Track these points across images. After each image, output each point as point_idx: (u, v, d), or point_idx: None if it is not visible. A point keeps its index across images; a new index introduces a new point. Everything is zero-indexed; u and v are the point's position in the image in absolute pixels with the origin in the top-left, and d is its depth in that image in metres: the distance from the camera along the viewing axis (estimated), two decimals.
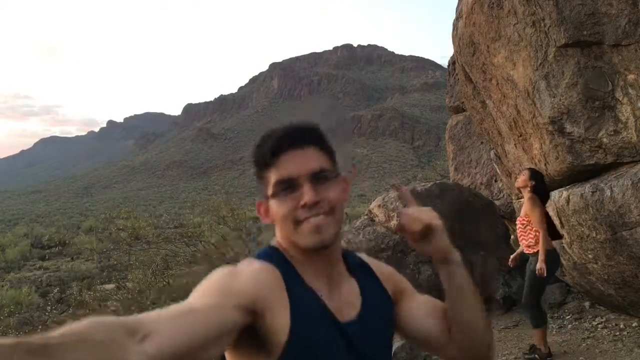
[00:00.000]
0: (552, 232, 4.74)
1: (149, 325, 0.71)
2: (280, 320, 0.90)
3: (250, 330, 0.88)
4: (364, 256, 1.16)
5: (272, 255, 1.00)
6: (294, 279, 0.97)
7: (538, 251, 4.66)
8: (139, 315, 0.74)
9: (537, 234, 4.65)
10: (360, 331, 1.00)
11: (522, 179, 4.81)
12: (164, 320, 0.75)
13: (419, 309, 1.16)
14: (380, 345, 1.05)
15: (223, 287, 0.87)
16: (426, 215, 1.01)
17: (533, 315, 4.83)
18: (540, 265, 4.54)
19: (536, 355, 4.82)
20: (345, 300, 1.02)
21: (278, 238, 1.03)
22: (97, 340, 0.62)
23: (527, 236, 4.78)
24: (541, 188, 4.79)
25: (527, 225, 4.75)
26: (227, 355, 0.97)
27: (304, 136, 0.98)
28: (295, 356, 0.90)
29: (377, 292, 1.09)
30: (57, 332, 0.61)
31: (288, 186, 0.95)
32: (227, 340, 0.84)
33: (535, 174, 4.83)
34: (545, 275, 4.57)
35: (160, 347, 0.70)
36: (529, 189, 4.75)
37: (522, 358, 4.93)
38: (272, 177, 0.97)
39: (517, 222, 4.90)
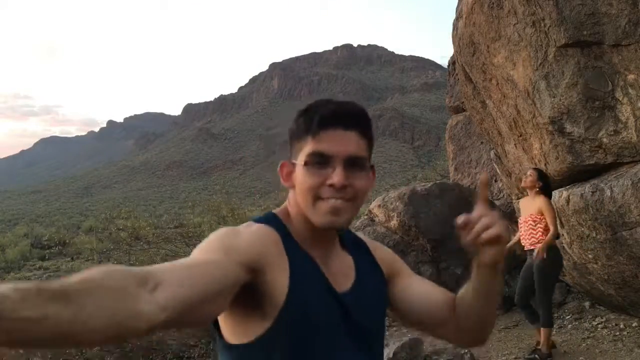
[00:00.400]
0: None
1: (159, 275, 0.72)
2: (279, 280, 0.91)
3: (247, 291, 0.88)
4: (359, 234, 1.17)
5: (271, 221, 1.00)
6: (292, 244, 0.97)
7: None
8: (149, 266, 0.74)
9: (546, 231, 4.71)
10: (355, 302, 1.00)
11: (530, 179, 4.84)
12: (173, 272, 0.75)
13: (413, 287, 1.17)
14: (375, 319, 1.06)
15: (225, 245, 0.88)
16: (500, 226, 0.98)
17: (547, 314, 4.84)
18: (541, 254, 4.66)
19: (536, 356, 4.82)
20: (339, 272, 1.02)
21: (288, 204, 1.03)
22: (111, 287, 0.64)
23: (536, 233, 4.80)
24: (548, 188, 4.85)
25: (538, 223, 4.77)
26: (220, 320, 0.97)
27: (352, 118, 0.98)
28: (292, 320, 0.90)
29: (371, 268, 1.10)
30: (73, 279, 0.62)
31: (322, 161, 0.95)
32: (229, 295, 0.84)
33: (542, 175, 4.87)
34: (549, 268, 4.70)
35: (170, 297, 0.70)
36: (536, 189, 4.79)
37: (524, 357, 4.94)
38: (310, 146, 0.96)
39: (527, 219, 4.87)
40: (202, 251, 0.87)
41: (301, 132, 0.98)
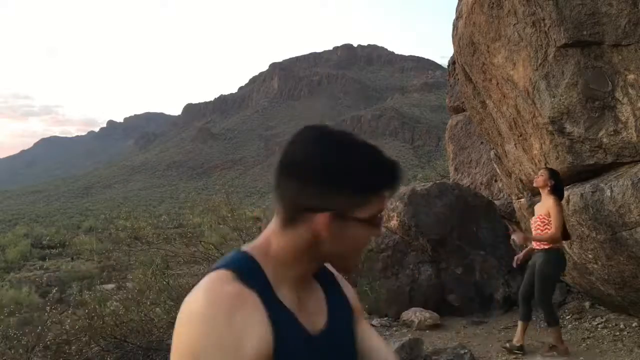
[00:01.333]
0: (563, 232, 4.79)
1: None
2: (265, 351, 0.86)
3: None
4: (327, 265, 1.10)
5: (247, 270, 0.90)
6: (270, 299, 0.89)
7: (547, 248, 4.75)
8: None
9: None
10: (330, 339, 0.96)
11: (541, 178, 4.83)
12: None
13: (371, 338, 1.11)
14: (350, 353, 1.02)
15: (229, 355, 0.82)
16: None
17: (548, 313, 4.85)
18: (519, 236, 4.87)
19: (555, 353, 4.86)
20: (314, 309, 0.97)
21: (283, 247, 0.92)
22: None
23: (543, 234, 4.80)
24: (559, 187, 4.83)
25: (546, 225, 4.77)
26: None
27: None
28: None
29: (342, 302, 1.06)
30: None
31: (380, 219, 0.93)
32: None
33: (554, 174, 4.86)
34: (549, 269, 4.74)
35: None
36: (548, 188, 4.79)
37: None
38: (378, 203, 0.90)
39: (536, 219, 4.88)
40: None
41: (376, 186, 0.90)
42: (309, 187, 0.87)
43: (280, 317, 0.88)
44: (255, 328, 0.85)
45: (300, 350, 0.89)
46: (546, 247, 4.77)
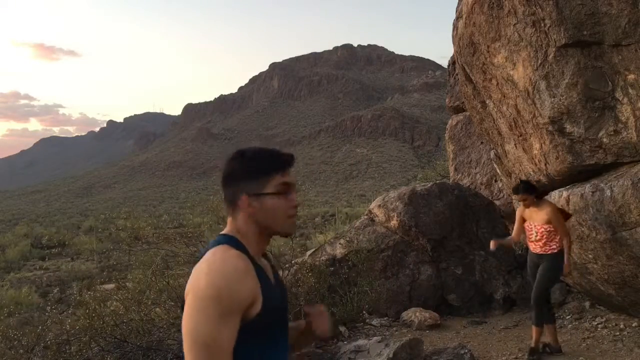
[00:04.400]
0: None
1: None
2: (256, 297, 1.26)
3: None
4: None
5: (237, 245, 1.32)
6: (253, 261, 1.31)
7: (556, 252, 4.78)
8: None
9: (560, 238, 4.76)
10: (279, 286, 1.42)
11: (526, 202, 4.87)
12: None
13: None
14: (286, 293, 1.50)
15: (231, 304, 1.20)
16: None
17: (545, 312, 4.86)
18: (567, 269, 4.84)
19: (547, 349, 4.87)
20: (268, 270, 1.41)
21: (241, 225, 1.36)
22: None
23: (550, 241, 4.82)
24: (541, 192, 4.91)
25: (552, 232, 4.79)
26: None
27: (293, 161, 1.41)
28: (264, 315, 1.26)
29: (276, 272, 1.51)
30: None
31: (289, 190, 1.36)
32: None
33: (527, 187, 4.89)
34: (556, 272, 4.86)
35: None
36: (534, 200, 4.83)
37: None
38: (279, 179, 1.35)
39: (540, 229, 4.85)
40: (220, 321, 1.18)
41: (269, 170, 1.35)
42: (233, 185, 1.36)
43: (260, 273, 1.31)
44: (251, 281, 1.26)
45: (273, 292, 1.34)
46: (555, 250, 4.79)
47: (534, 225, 4.91)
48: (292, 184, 1.37)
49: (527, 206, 4.89)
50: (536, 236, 4.90)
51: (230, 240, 1.33)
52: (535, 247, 4.95)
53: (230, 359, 1.19)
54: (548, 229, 4.80)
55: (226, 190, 1.38)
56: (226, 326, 1.19)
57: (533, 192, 4.86)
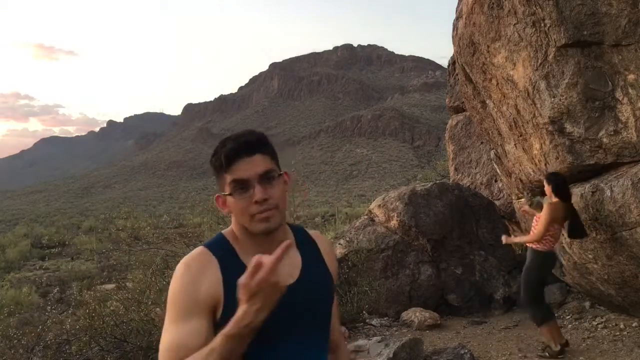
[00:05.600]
0: (578, 231, 4.81)
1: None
2: (219, 300, 1.20)
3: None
4: (312, 232, 1.44)
5: (214, 244, 1.27)
6: (230, 260, 1.24)
7: (534, 248, 4.82)
8: None
9: (549, 233, 4.77)
10: (304, 286, 1.22)
11: (546, 189, 4.85)
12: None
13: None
14: (318, 309, 1.30)
15: (186, 304, 1.18)
16: None
17: (533, 313, 4.86)
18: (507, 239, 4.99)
19: (547, 353, 4.83)
20: (285, 271, 1.15)
21: (232, 225, 1.29)
22: None
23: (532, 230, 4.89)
24: (560, 188, 4.80)
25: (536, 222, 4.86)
26: None
27: (252, 146, 1.23)
28: (228, 315, 1.13)
29: (316, 263, 1.35)
30: None
31: (242, 186, 1.21)
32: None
33: (550, 178, 4.86)
34: (531, 269, 4.83)
35: None
36: (552, 193, 4.81)
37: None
38: (228, 178, 1.22)
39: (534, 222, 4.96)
40: (180, 316, 1.18)
41: (218, 170, 1.25)
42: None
43: (233, 271, 1.16)
44: (208, 277, 1.20)
45: None
46: (533, 246, 4.86)
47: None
48: (243, 180, 1.21)
49: (548, 194, 4.86)
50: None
51: (212, 241, 1.30)
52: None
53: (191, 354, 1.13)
54: (536, 218, 4.87)
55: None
56: (183, 325, 1.16)
57: (552, 180, 4.81)
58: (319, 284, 1.32)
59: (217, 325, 1.18)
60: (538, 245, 4.81)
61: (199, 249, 1.27)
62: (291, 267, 1.22)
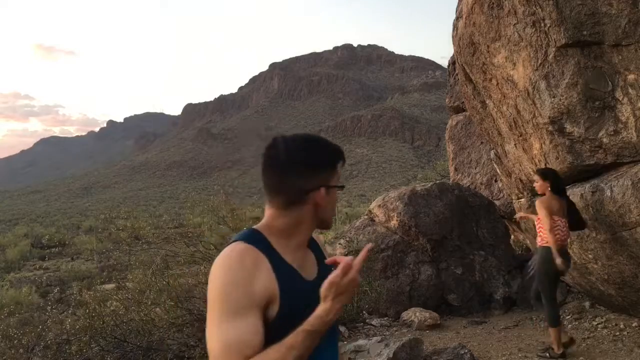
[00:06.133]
0: (579, 223, 4.82)
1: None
2: (275, 299, 1.19)
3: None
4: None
5: (251, 238, 1.25)
6: (275, 258, 1.24)
7: (542, 245, 4.75)
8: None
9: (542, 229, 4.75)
10: (320, 282, 1.24)
11: (538, 185, 4.80)
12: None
13: None
14: None
15: (240, 299, 1.15)
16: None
17: (550, 312, 4.79)
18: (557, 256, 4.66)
19: (547, 354, 4.81)
20: (308, 267, 1.33)
21: (272, 221, 1.28)
22: None
23: (540, 232, 4.84)
24: (558, 185, 4.78)
25: (539, 224, 4.80)
26: None
27: None
28: (284, 317, 1.18)
29: (326, 264, 1.38)
30: None
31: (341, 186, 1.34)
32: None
33: (547, 174, 4.83)
34: (543, 266, 4.73)
35: None
36: (549, 189, 4.78)
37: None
38: (337, 175, 1.31)
39: (536, 221, 4.91)
40: (237, 313, 1.14)
41: (336, 162, 1.31)
42: (305, 175, 1.26)
43: (282, 269, 1.22)
44: (262, 273, 1.19)
45: (299, 291, 1.24)
46: (543, 243, 4.78)
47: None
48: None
49: (540, 191, 4.82)
50: (536, 230, 4.94)
51: (248, 236, 1.26)
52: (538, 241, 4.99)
53: (255, 352, 1.12)
54: (537, 219, 4.83)
55: (286, 179, 1.26)
56: (238, 323, 1.13)
57: (548, 177, 4.79)
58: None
59: (270, 322, 1.17)
60: (544, 242, 4.75)
61: (242, 244, 1.22)
62: (311, 264, 1.34)
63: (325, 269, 1.33)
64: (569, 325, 5.87)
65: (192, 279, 5.85)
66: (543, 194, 4.82)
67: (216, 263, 1.20)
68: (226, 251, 1.21)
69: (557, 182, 4.77)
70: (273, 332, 1.16)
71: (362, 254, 1.16)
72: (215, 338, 1.13)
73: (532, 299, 5.09)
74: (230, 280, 1.15)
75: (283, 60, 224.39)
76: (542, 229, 4.75)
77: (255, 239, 1.24)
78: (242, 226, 6.49)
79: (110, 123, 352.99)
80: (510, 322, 6.34)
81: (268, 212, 1.30)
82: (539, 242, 4.86)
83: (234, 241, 1.25)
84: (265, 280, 1.18)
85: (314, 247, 1.40)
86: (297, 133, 1.33)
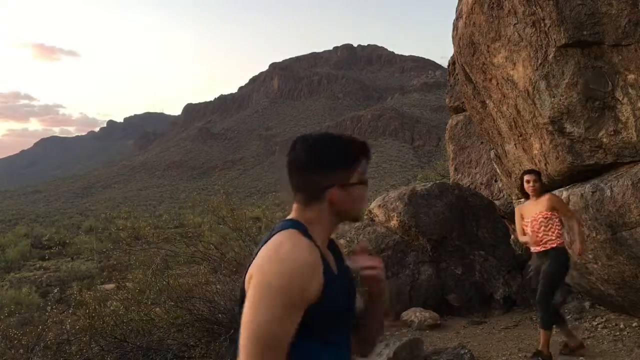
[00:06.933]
0: None
1: None
2: (318, 288, 1.20)
3: None
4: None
5: (305, 231, 1.27)
6: (321, 254, 1.25)
7: (557, 246, 4.61)
8: None
9: (560, 227, 4.65)
10: (343, 277, 1.33)
11: (536, 186, 4.74)
12: None
13: None
14: (352, 286, 1.39)
15: (298, 298, 1.15)
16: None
17: (546, 316, 4.69)
18: (582, 251, 4.61)
19: (539, 358, 4.77)
20: (332, 261, 1.34)
21: (310, 215, 1.30)
22: None
23: (548, 231, 4.64)
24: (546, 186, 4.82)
25: (550, 220, 4.62)
26: None
27: None
28: (323, 314, 1.20)
29: (345, 264, 1.41)
30: None
31: (366, 181, 1.35)
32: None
33: (540, 175, 4.83)
34: (562, 269, 4.67)
35: None
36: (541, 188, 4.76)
37: None
38: (360, 170, 1.32)
39: (537, 217, 4.70)
40: (284, 310, 1.13)
41: (357, 158, 1.33)
42: (319, 174, 1.29)
43: (325, 263, 1.25)
44: (317, 278, 1.19)
45: (335, 284, 1.26)
46: (555, 244, 4.61)
47: (532, 219, 4.76)
48: (367, 177, 1.37)
49: (534, 190, 4.74)
50: (532, 230, 4.74)
51: (300, 227, 1.27)
52: (536, 246, 4.77)
53: (285, 354, 1.13)
54: (546, 216, 4.63)
55: (303, 178, 1.31)
56: (288, 320, 1.13)
57: (540, 178, 4.79)
58: (350, 281, 1.38)
59: (307, 319, 1.17)
60: (554, 242, 4.63)
61: (300, 236, 1.24)
62: (333, 265, 1.35)
63: (343, 269, 1.37)
64: (569, 325, 5.86)
65: (192, 279, 5.85)
66: (534, 196, 4.78)
67: (280, 249, 1.18)
68: (289, 240, 1.20)
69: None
70: (307, 327, 1.17)
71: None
72: (259, 324, 1.11)
73: (542, 303, 4.77)
74: (297, 276, 1.14)
75: (283, 60, 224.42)
76: (557, 227, 4.64)
77: (305, 231, 1.26)
78: (242, 226, 6.49)
79: (110, 123, 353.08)
80: (510, 322, 6.34)
81: (295, 206, 1.34)
82: (552, 242, 4.64)
83: (284, 229, 1.26)
84: (317, 284, 1.19)
85: (332, 245, 1.41)
86: (319, 131, 1.39)
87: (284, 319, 1.12)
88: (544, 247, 4.70)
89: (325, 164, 1.29)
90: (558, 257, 4.64)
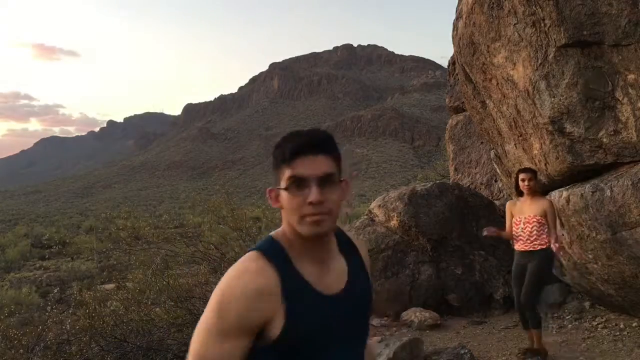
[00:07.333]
0: None
1: None
2: (278, 321, 1.12)
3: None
4: (351, 235, 1.37)
5: (270, 249, 1.17)
6: (289, 272, 1.16)
7: (544, 248, 4.64)
8: None
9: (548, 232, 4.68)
10: (349, 295, 1.22)
11: (531, 184, 4.73)
12: None
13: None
14: (360, 320, 1.27)
15: (233, 324, 1.10)
16: None
17: (534, 315, 4.74)
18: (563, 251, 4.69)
19: (539, 357, 4.78)
20: (333, 276, 1.22)
21: (284, 224, 1.20)
22: None
23: (540, 235, 4.68)
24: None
25: (543, 225, 4.67)
26: None
27: (319, 145, 1.16)
28: (287, 339, 1.12)
29: (360, 270, 1.30)
30: None
31: (299, 183, 1.13)
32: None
33: (535, 173, 4.83)
34: (547, 268, 4.71)
35: None
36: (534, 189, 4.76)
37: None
38: (287, 172, 1.14)
39: (530, 220, 4.72)
40: (221, 337, 1.10)
41: (279, 162, 1.17)
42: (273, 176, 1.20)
43: (293, 285, 1.14)
44: (266, 302, 1.11)
45: (311, 308, 1.15)
46: (544, 246, 4.65)
47: (523, 218, 4.76)
48: (302, 177, 1.13)
49: (529, 189, 4.73)
50: (523, 230, 4.75)
51: (268, 246, 1.19)
52: (523, 245, 4.77)
53: None
54: (540, 221, 4.66)
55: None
56: (223, 344, 1.10)
57: (535, 177, 4.79)
58: (364, 292, 1.28)
59: (270, 344, 1.13)
60: (544, 244, 4.65)
61: (257, 258, 1.15)
62: (338, 275, 1.23)
63: (357, 280, 1.26)
64: (569, 325, 5.87)
65: (192, 279, 5.85)
66: (528, 194, 4.79)
67: (230, 272, 1.14)
68: (241, 264, 1.15)
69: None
70: (272, 352, 1.13)
71: None
72: (198, 345, 1.12)
73: (528, 309, 4.78)
74: (232, 303, 1.10)
75: (283, 60, 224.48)
76: (547, 229, 4.67)
77: (273, 250, 1.17)
78: (242, 226, 6.50)
79: (110, 123, 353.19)
80: (510, 322, 6.34)
81: None
82: (538, 244, 4.69)
83: (251, 250, 1.20)
84: (268, 308, 1.12)
85: (349, 253, 1.30)
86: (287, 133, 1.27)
87: (215, 344, 1.10)
88: (532, 248, 4.73)
89: (273, 165, 1.20)
90: (545, 256, 4.68)
